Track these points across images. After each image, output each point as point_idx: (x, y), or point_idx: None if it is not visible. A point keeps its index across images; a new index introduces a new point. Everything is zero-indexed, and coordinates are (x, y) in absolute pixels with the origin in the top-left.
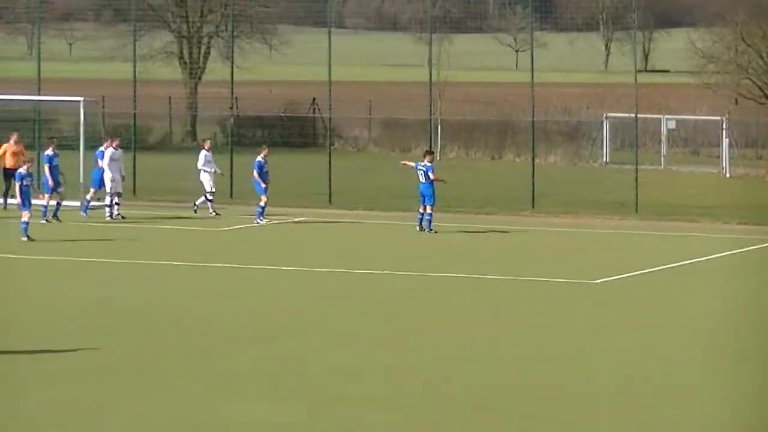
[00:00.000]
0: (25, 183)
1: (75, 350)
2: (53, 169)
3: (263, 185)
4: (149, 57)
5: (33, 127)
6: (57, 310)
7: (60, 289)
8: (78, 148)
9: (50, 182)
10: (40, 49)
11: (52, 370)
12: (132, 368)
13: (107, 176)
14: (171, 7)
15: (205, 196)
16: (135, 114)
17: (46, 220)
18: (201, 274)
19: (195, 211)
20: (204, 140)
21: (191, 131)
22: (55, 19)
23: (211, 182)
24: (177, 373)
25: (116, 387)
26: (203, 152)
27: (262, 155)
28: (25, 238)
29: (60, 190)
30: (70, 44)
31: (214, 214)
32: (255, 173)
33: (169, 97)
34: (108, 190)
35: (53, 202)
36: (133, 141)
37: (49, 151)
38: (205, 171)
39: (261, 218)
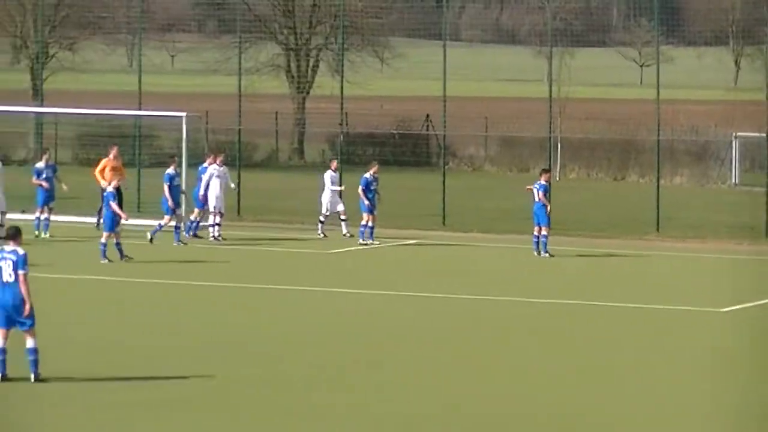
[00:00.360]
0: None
1: (187, 377)
2: (174, 189)
3: (367, 203)
4: (255, 70)
5: (133, 144)
6: (166, 335)
7: (170, 314)
8: (180, 165)
9: (170, 203)
10: (141, 61)
11: (165, 398)
12: (247, 397)
13: (211, 194)
14: (278, 17)
15: (319, 219)
16: (240, 130)
17: (180, 242)
18: (311, 299)
19: (323, 235)
20: (331, 160)
21: (298, 148)
22: (156, 30)
23: (328, 204)
24: (290, 402)
25: (231, 416)
26: (329, 173)
27: (371, 172)
28: (104, 261)
29: (178, 212)
30: (172, 56)
31: (322, 236)
32: (360, 190)
33: (276, 113)
34: (211, 208)
35: (172, 223)
36: (237, 158)
37: (170, 170)
38: (332, 191)
39: (365, 238)
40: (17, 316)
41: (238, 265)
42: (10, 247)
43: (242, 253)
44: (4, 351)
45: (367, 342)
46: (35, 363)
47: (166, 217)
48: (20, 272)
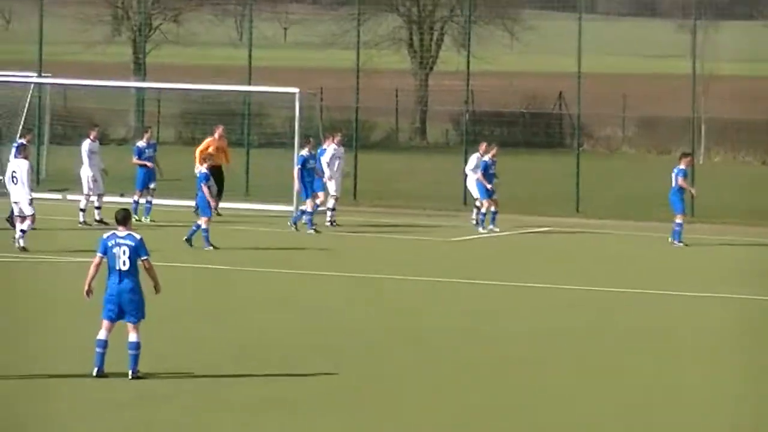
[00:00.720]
0: (209, 185)
1: (311, 375)
2: (307, 172)
3: (490, 187)
4: (374, 44)
5: (242, 122)
6: (284, 329)
7: (286, 306)
8: (292, 146)
9: (297, 186)
10: (252, 33)
11: (288, 397)
12: (368, 395)
13: (327, 176)
14: None
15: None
16: (357, 108)
17: (314, 230)
18: (433, 290)
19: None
20: (485, 145)
21: (420, 128)
22: (268, 0)
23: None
24: (411, 405)
25: (352, 416)
26: (476, 156)
27: (490, 155)
28: (209, 248)
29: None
30: (285, 29)
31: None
32: (480, 174)
33: (396, 90)
34: (332, 192)
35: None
36: (354, 139)
37: (304, 152)
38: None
39: (484, 226)
40: (128, 308)
41: (354, 254)
42: (122, 231)
43: (358, 241)
44: (105, 344)
45: (506, 338)
46: (136, 359)
47: (308, 202)
48: (143, 258)
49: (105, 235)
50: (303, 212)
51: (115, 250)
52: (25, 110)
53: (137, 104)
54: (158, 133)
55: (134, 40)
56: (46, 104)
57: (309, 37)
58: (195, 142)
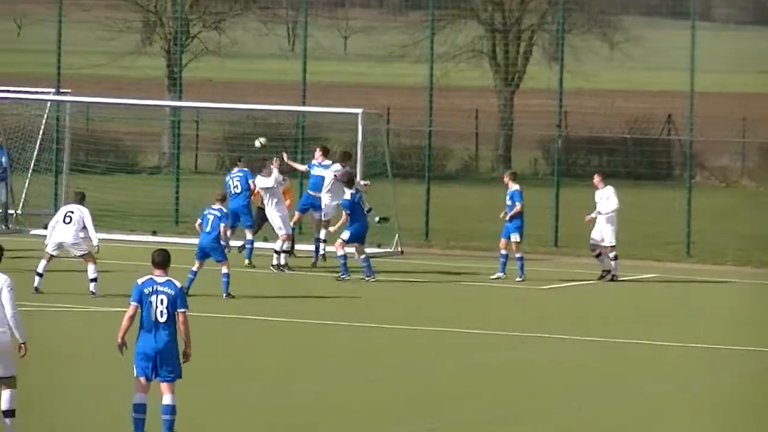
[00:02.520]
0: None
1: None
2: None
3: None
4: (451, 56)
5: (295, 147)
6: (362, 390)
7: (359, 362)
8: (354, 174)
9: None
10: (307, 44)
11: None
12: None
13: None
14: None
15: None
16: (430, 132)
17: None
18: (522, 345)
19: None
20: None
21: (504, 156)
22: (326, 5)
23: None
24: None
25: None
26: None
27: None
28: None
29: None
30: (345, 38)
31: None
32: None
33: (476, 110)
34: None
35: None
36: (426, 168)
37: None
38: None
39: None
40: (163, 365)
41: (426, 303)
42: (162, 277)
43: (431, 288)
44: (144, 408)
45: (612, 403)
46: (170, 425)
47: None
48: (180, 311)
49: (140, 281)
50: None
51: (152, 298)
52: (41, 132)
53: (172, 126)
54: (195, 159)
55: (168, 50)
56: (65, 126)
57: (373, 48)
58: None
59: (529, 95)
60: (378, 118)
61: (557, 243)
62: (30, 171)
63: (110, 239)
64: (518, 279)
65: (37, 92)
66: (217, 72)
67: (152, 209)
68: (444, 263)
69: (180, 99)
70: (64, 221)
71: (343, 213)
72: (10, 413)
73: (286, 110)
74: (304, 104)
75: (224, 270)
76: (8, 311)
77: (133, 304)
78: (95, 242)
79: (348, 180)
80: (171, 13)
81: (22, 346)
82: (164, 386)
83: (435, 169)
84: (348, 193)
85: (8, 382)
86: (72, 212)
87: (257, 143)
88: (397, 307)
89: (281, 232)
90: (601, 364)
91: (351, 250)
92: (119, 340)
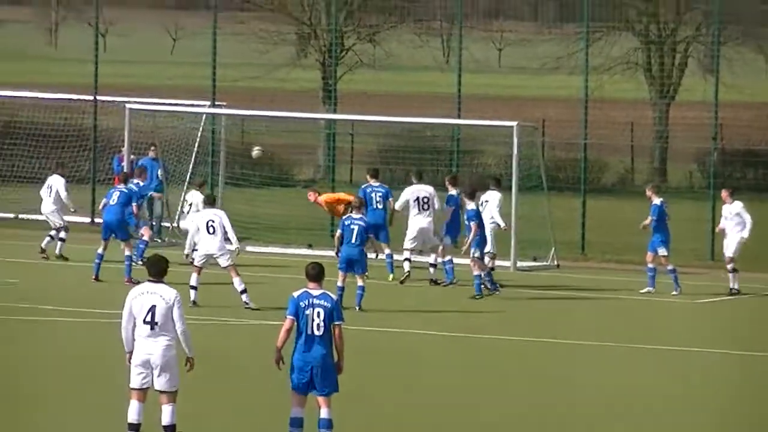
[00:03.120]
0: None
1: None
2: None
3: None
4: (605, 68)
5: (450, 160)
6: (527, 403)
7: (518, 377)
8: (509, 188)
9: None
10: (461, 56)
11: None
12: None
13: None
14: (637, 2)
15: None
16: (585, 145)
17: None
18: (682, 362)
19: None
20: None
21: (660, 169)
22: (480, 17)
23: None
24: None
25: None
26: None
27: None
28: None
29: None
30: (500, 50)
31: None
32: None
33: (631, 123)
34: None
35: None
36: (581, 181)
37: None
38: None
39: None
40: (320, 379)
41: (586, 318)
42: (317, 290)
43: (589, 302)
44: (301, 422)
45: None
46: None
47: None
48: (336, 324)
49: (296, 294)
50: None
51: (308, 311)
52: (196, 145)
53: (327, 139)
54: (351, 173)
55: (323, 63)
56: (220, 138)
57: (528, 59)
58: (394, 183)
59: (685, 107)
60: (533, 130)
61: (713, 257)
62: (185, 184)
63: (266, 252)
64: (674, 293)
65: (192, 105)
66: (372, 84)
67: (308, 222)
68: (600, 277)
69: (335, 111)
70: (208, 231)
71: (473, 225)
72: (170, 428)
73: (440, 123)
74: (459, 117)
75: (360, 282)
76: (179, 326)
77: (290, 317)
78: (235, 245)
79: (471, 192)
80: (326, 26)
81: (190, 360)
82: (320, 400)
83: (590, 181)
84: (472, 204)
85: (170, 396)
86: (213, 220)
87: (254, 153)
88: (557, 322)
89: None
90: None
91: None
92: (276, 354)
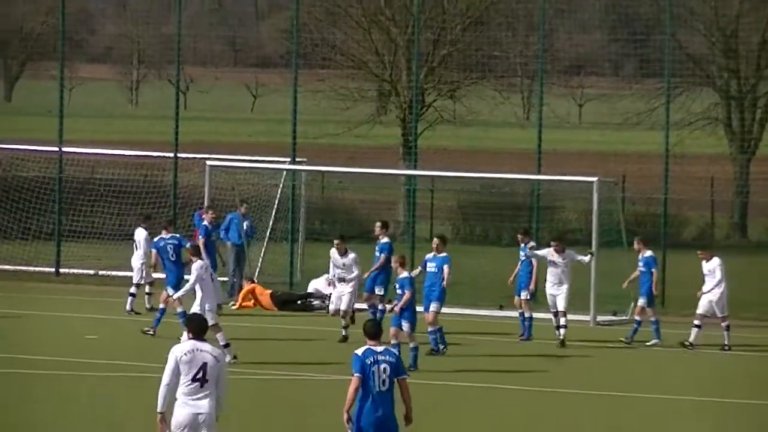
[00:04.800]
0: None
1: None
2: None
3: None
4: (686, 123)
5: (530, 216)
6: None
7: None
8: (588, 243)
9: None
10: (542, 112)
11: None
12: None
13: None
14: (717, 57)
15: None
16: (666, 200)
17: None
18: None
19: None
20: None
21: (739, 223)
22: (561, 73)
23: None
24: None
25: None
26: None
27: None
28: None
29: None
30: (580, 106)
31: None
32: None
33: (711, 178)
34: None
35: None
36: (662, 235)
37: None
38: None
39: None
40: None
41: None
42: (378, 347)
43: (670, 356)
44: None
45: None
46: None
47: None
48: (401, 378)
49: (359, 352)
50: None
51: (374, 368)
52: (276, 201)
53: (407, 194)
54: (431, 228)
55: (403, 119)
56: (301, 195)
57: (608, 115)
58: (475, 239)
59: (766, 162)
60: (613, 185)
61: None
62: (266, 239)
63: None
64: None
65: (272, 161)
66: (452, 140)
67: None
68: (680, 331)
69: (415, 167)
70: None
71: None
72: None
73: (521, 179)
74: (539, 173)
75: (413, 343)
76: (224, 385)
77: (357, 375)
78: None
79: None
80: (406, 83)
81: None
82: None
83: (670, 236)
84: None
85: None
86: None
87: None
88: (641, 375)
89: None
90: None
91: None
92: (346, 414)
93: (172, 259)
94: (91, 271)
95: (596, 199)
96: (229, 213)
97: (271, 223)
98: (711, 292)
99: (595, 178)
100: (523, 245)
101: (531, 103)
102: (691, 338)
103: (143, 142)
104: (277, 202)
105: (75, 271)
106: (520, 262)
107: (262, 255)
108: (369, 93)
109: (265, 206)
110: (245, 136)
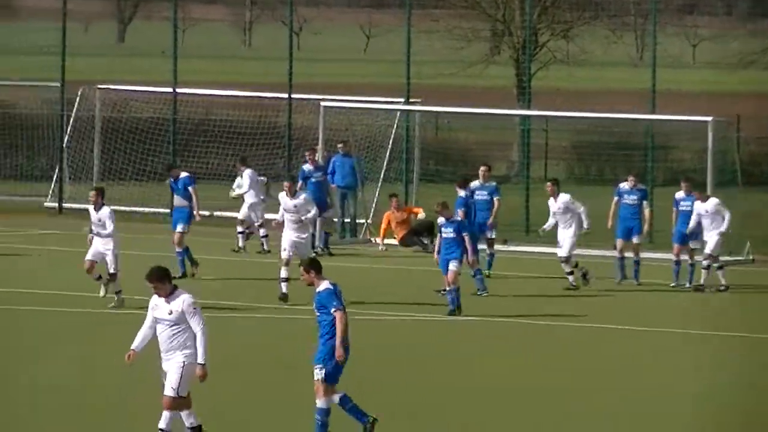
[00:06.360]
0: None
1: None
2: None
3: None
4: None
5: (644, 156)
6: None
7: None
8: (704, 183)
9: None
10: (656, 52)
11: None
12: None
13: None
14: None
15: None
16: None
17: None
18: None
19: None
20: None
21: None
22: (674, 12)
23: None
24: None
25: None
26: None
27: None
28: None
29: None
30: (694, 46)
31: None
32: None
33: None
34: None
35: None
36: None
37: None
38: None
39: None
40: None
41: None
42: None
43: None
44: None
45: None
46: None
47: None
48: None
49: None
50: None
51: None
52: (390, 142)
53: (521, 136)
54: (545, 169)
55: (517, 59)
56: (415, 136)
57: (721, 55)
58: (589, 179)
59: None
60: (728, 125)
61: None
62: (380, 180)
63: None
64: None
65: (386, 102)
66: (565, 81)
67: (502, 218)
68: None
69: (529, 108)
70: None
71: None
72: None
73: (634, 119)
74: (653, 113)
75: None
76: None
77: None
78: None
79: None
80: (519, 23)
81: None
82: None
83: None
84: None
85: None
86: None
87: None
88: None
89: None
90: None
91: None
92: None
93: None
94: (206, 213)
95: (711, 138)
96: (332, 155)
97: (385, 163)
98: (716, 231)
99: (709, 118)
100: (630, 189)
101: (644, 42)
102: (702, 279)
103: (257, 84)
104: (391, 143)
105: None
106: (625, 206)
107: (376, 195)
108: (482, 33)
109: (379, 147)
110: (359, 77)
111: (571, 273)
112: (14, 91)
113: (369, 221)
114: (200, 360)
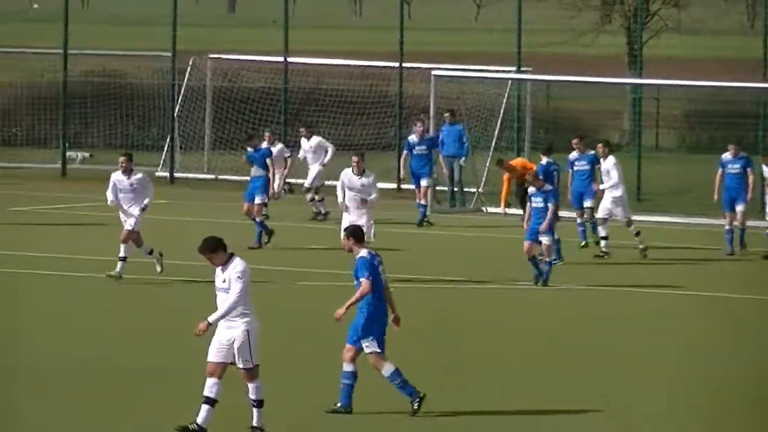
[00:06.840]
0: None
1: None
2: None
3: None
4: None
5: (755, 125)
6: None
7: None
8: None
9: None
10: (766, 20)
11: None
12: None
13: None
14: None
15: None
16: None
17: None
18: None
19: None
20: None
21: None
22: None
23: None
24: None
25: None
26: None
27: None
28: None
29: None
30: None
31: None
32: None
33: None
34: None
35: None
36: None
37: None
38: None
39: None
40: None
41: None
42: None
43: None
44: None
45: None
46: None
47: None
48: None
49: (365, 255)
50: None
51: (380, 269)
52: (502, 111)
53: (633, 104)
54: (656, 137)
55: (628, 28)
56: (526, 104)
57: None
58: (700, 148)
59: None
60: None
61: None
62: (491, 149)
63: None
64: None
65: (498, 71)
66: (677, 49)
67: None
68: None
69: (640, 76)
70: None
71: None
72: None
73: (747, 87)
74: (764, 81)
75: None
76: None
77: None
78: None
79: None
80: None
81: None
82: None
83: None
84: None
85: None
86: None
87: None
88: None
89: None
90: None
91: None
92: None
93: None
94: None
95: None
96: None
97: (496, 132)
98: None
99: None
100: (732, 158)
101: (756, 10)
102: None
103: (367, 53)
104: (502, 112)
105: (301, 180)
106: (730, 175)
107: (487, 165)
108: (593, 1)
109: (490, 116)
110: (469, 46)
111: (606, 238)
112: (126, 61)
113: (480, 190)
114: (210, 318)
